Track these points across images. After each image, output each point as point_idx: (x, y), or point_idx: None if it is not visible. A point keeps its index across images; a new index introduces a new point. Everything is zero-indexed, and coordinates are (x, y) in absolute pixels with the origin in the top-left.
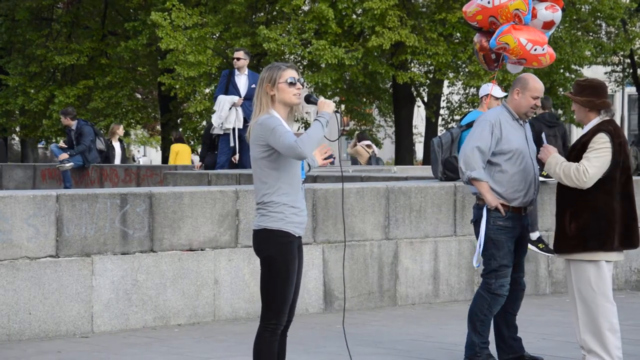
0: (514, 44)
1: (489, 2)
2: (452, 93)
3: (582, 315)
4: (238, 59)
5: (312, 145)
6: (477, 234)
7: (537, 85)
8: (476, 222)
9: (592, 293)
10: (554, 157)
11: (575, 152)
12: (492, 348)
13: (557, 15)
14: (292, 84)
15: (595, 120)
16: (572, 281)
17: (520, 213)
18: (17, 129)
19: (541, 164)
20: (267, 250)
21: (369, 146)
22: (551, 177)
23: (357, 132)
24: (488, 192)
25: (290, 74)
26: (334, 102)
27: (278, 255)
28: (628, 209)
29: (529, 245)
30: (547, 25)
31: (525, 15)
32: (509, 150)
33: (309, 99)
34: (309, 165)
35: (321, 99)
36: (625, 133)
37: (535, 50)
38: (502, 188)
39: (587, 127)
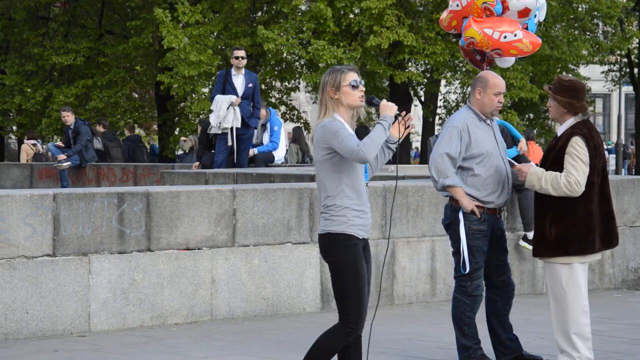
0: (479, 36)
1: (457, 5)
2: (449, 92)
3: (554, 316)
4: (242, 57)
5: (374, 149)
6: (451, 237)
7: (496, 81)
8: (449, 225)
9: (563, 293)
10: (532, 173)
11: (552, 156)
12: (488, 349)
13: (529, 1)
14: (355, 86)
15: (569, 122)
16: (547, 281)
17: (496, 214)
18: (14, 128)
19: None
20: (333, 254)
21: (34, 145)
22: None
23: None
24: (463, 197)
25: (353, 76)
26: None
27: (344, 259)
28: (605, 210)
29: (526, 245)
30: (523, 13)
31: (495, 6)
32: (479, 154)
33: (371, 102)
34: (372, 167)
35: (383, 101)
36: (622, 132)
37: (505, 37)
38: (477, 191)
39: (562, 128)
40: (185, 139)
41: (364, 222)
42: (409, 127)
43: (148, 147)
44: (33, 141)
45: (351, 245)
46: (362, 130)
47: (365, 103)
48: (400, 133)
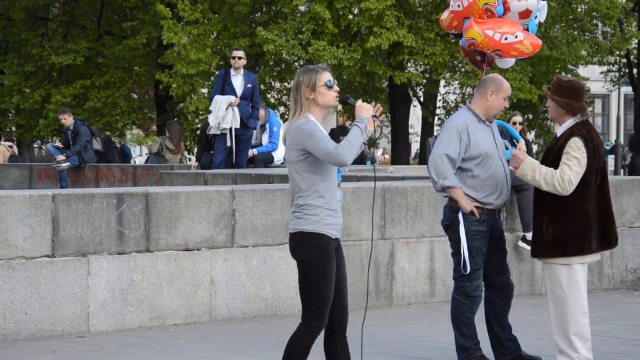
0: (480, 37)
1: (459, 6)
2: (449, 92)
3: (554, 316)
4: (240, 57)
5: (353, 153)
6: (450, 238)
7: (507, 85)
8: (449, 226)
9: (563, 294)
10: (528, 162)
11: (551, 156)
12: (487, 349)
13: (530, 3)
14: (330, 86)
15: (569, 122)
16: (546, 282)
17: (495, 215)
18: (13, 128)
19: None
20: (304, 253)
21: (10, 146)
22: None
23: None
24: (462, 198)
25: (327, 76)
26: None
27: (315, 258)
28: (604, 211)
29: (525, 245)
30: (524, 14)
31: (496, 7)
32: (478, 155)
33: (346, 101)
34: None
35: (359, 102)
36: (621, 133)
37: (506, 39)
38: (476, 192)
39: (562, 129)
40: (151, 143)
41: (336, 221)
42: (380, 115)
43: (119, 148)
44: (9, 143)
45: (324, 244)
46: (337, 131)
47: (341, 103)
48: (374, 128)
